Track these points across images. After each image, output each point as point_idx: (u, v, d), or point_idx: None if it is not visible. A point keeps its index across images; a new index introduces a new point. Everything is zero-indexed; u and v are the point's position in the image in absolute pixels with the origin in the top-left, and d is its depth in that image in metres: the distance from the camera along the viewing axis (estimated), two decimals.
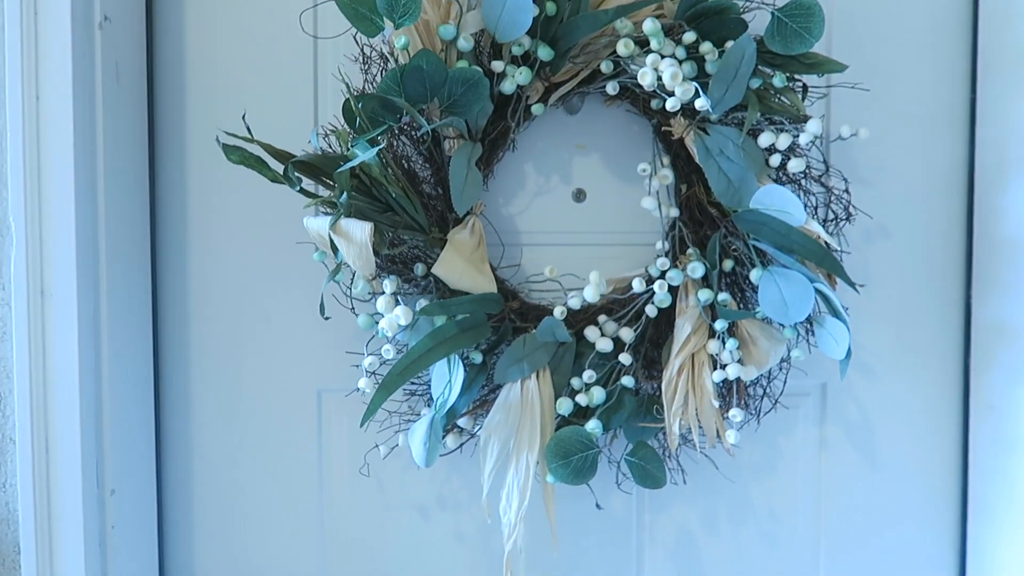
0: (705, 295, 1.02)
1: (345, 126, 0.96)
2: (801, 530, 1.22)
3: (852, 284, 0.98)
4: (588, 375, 1.01)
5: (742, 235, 1.03)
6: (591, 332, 1.04)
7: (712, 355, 1.02)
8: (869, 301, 1.18)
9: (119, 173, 1.03)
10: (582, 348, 1.05)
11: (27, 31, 0.92)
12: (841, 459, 1.21)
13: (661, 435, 1.08)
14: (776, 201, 0.96)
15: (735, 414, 1.01)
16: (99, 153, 0.99)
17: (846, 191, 1.09)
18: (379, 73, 1.04)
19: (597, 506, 1.09)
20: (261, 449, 1.16)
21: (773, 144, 1.01)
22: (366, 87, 1.05)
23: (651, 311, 1.04)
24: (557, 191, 1.15)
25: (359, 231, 0.91)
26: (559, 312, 1.03)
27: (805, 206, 1.03)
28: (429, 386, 1.05)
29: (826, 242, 0.98)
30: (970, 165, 1.20)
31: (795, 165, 1.02)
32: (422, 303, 1.00)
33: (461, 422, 1.06)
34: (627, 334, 1.04)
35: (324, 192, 1.00)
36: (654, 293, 1.03)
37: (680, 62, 0.96)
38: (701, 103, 0.94)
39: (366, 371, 1.00)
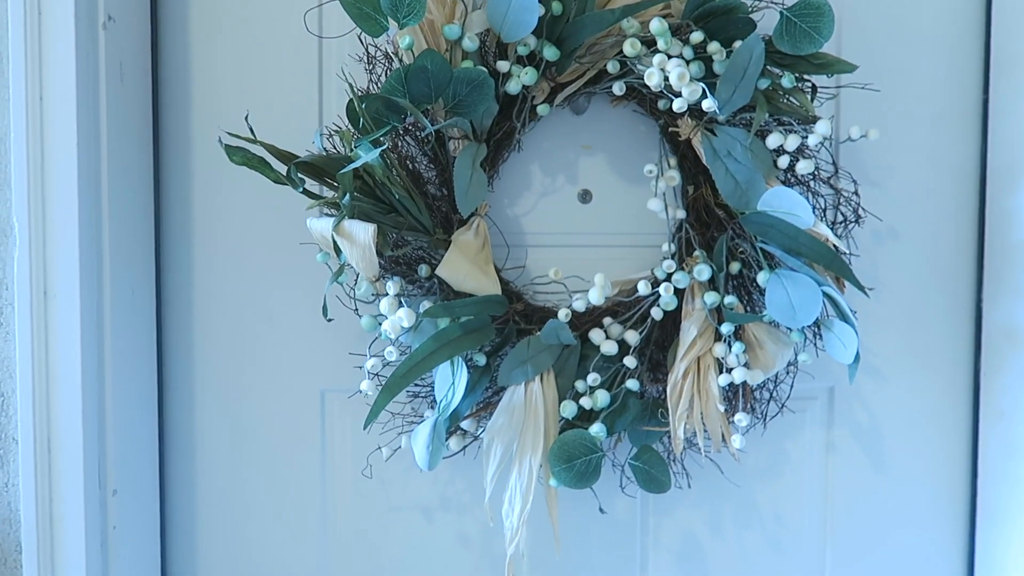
0: (711, 298, 1.01)
1: (349, 127, 0.95)
2: (807, 535, 1.21)
3: (861, 288, 0.97)
4: (592, 378, 1.00)
5: (749, 237, 1.02)
6: (596, 335, 1.03)
7: (718, 359, 1.01)
8: (878, 304, 1.17)
9: (123, 174, 1.03)
10: (587, 351, 1.04)
11: (31, 31, 0.92)
12: (848, 463, 1.20)
13: (666, 439, 1.07)
14: (784, 203, 0.95)
15: (741, 418, 1.00)
16: (103, 153, 0.98)
17: (855, 193, 1.08)
18: (384, 73, 1.03)
19: (601, 510, 1.08)
20: (264, 450, 1.15)
21: (781, 145, 1.00)
22: (371, 87, 1.04)
23: (657, 314, 1.03)
24: (563, 192, 1.14)
25: (362, 232, 0.91)
26: (564, 314, 1.02)
27: (813, 208, 1.03)
28: (432, 388, 1.05)
29: (834, 245, 0.97)
30: (982, 167, 1.18)
31: (804, 167, 1.00)
32: (426, 305, 0.99)
33: (464, 424, 1.05)
34: (632, 337, 1.03)
35: (328, 193, 1.00)
36: (660, 296, 1.02)
37: (687, 62, 0.95)
38: (708, 104, 0.92)
39: (368, 373, 0.99)
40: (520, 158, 1.12)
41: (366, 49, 1.03)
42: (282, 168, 0.91)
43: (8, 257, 0.96)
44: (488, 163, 1.06)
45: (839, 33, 1.13)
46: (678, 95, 0.95)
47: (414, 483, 1.16)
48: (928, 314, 1.19)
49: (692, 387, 1.01)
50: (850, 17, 1.14)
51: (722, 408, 1.00)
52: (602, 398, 1.00)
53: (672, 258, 1.06)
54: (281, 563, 1.17)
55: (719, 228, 1.06)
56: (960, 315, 1.20)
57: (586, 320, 1.06)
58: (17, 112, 0.93)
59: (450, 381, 0.96)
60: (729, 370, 1.00)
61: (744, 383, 1.02)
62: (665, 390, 1.03)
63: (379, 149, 0.86)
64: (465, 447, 1.07)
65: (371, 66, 1.03)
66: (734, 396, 1.06)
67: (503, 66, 0.99)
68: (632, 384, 1.01)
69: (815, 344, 1.06)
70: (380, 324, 0.97)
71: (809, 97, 1.02)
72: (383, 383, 0.93)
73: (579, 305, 1.03)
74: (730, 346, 1.00)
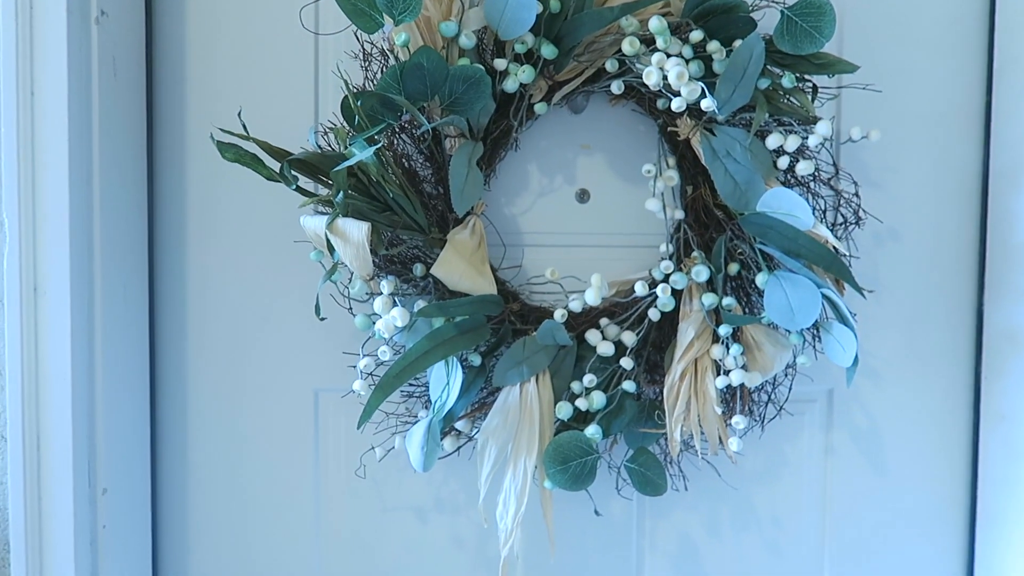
0: (709, 299, 1.00)
1: (344, 124, 0.94)
2: (805, 538, 1.19)
3: (860, 290, 0.95)
4: (589, 379, 1.00)
5: (748, 238, 1.01)
6: (592, 335, 1.02)
7: (716, 360, 1.00)
8: (878, 306, 1.16)
9: (115, 169, 1.02)
10: (583, 352, 1.03)
11: (22, 24, 0.91)
12: (847, 467, 1.19)
13: (662, 441, 1.07)
14: (784, 204, 0.94)
15: (739, 421, 0.99)
16: (95, 149, 0.97)
17: (856, 194, 1.06)
18: (379, 70, 1.02)
19: (596, 512, 1.07)
20: (257, 449, 1.14)
21: (781, 146, 0.99)
22: (366, 84, 1.03)
23: (654, 315, 1.02)
24: (560, 191, 1.13)
25: (356, 231, 0.90)
26: (560, 315, 1.01)
27: (813, 209, 1.02)
28: (427, 388, 1.04)
29: (834, 246, 0.95)
30: (984, 168, 1.17)
31: (804, 167, 0.99)
32: (420, 304, 0.98)
33: (459, 425, 1.04)
34: (629, 338, 1.02)
35: (322, 191, 0.99)
36: (657, 296, 1.01)
37: (687, 61, 0.94)
38: (707, 103, 0.91)
39: (362, 372, 0.98)
40: (517, 157, 1.11)
41: (362, 46, 1.02)
42: (275, 165, 0.90)
43: None
44: (485, 162, 1.05)
45: (840, 33, 1.12)
46: (677, 94, 0.94)
47: (408, 484, 1.15)
48: (929, 316, 1.18)
49: (689, 389, 1.00)
50: (851, 17, 1.13)
51: (719, 410, 0.99)
52: (598, 399, 0.99)
53: (670, 259, 1.05)
54: (274, 564, 1.16)
55: (718, 229, 1.05)
56: (961, 317, 1.18)
57: (583, 321, 1.05)
58: (8, 107, 0.92)
59: (445, 381, 0.95)
60: (727, 372, 0.99)
61: (742, 385, 1.01)
62: (662, 392, 1.02)
63: (374, 147, 0.85)
64: (460, 448, 1.06)
65: (367, 63, 1.02)
66: (732, 398, 1.05)
67: (500, 64, 0.98)
68: (628, 385, 1.00)
69: (814, 346, 1.05)
70: (374, 323, 0.96)
71: (810, 97, 1.01)
72: (377, 383, 0.92)
73: (575, 306, 1.02)
74: (728, 348, 0.99)
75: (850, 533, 1.19)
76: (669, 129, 1.05)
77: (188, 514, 1.15)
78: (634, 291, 1.02)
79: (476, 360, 1.02)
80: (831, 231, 0.98)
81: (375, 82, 1.02)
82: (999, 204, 1.14)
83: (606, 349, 1.01)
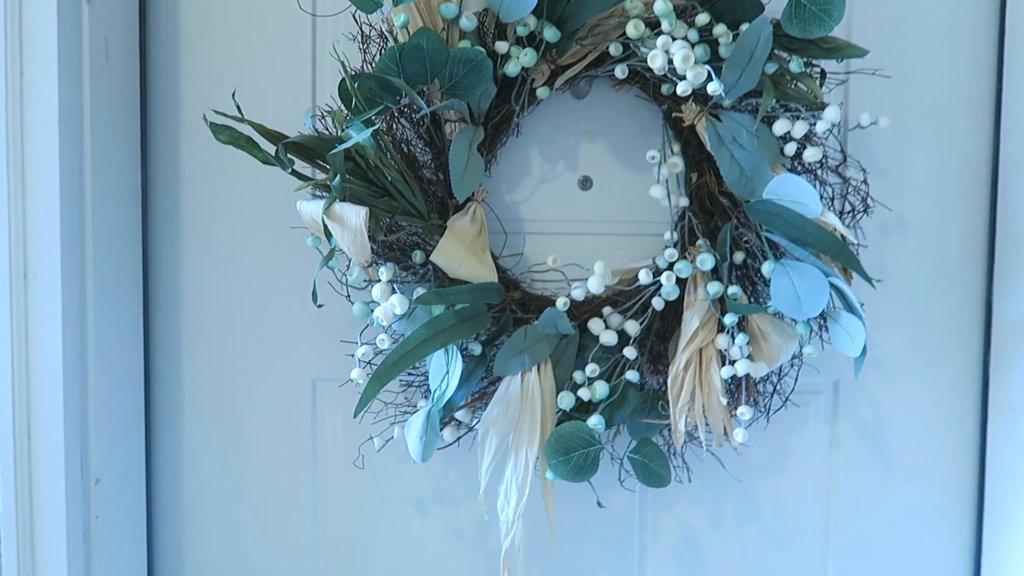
0: (715, 288, 0.98)
1: (342, 107, 0.92)
2: (810, 531, 1.18)
3: (868, 279, 0.94)
4: (591, 369, 0.98)
5: (754, 226, 0.99)
6: (595, 324, 1.00)
7: (721, 350, 0.98)
8: (885, 297, 1.14)
9: (108, 153, 1.00)
10: (585, 341, 1.01)
11: (11, 4, 0.89)
12: (853, 459, 1.17)
13: (666, 432, 1.05)
14: (791, 191, 0.92)
15: (744, 412, 0.97)
16: (86, 132, 0.95)
17: (864, 182, 1.04)
18: (378, 53, 1.00)
19: (599, 504, 1.05)
20: (254, 439, 1.13)
21: (788, 132, 0.97)
22: (364, 67, 1.01)
23: (658, 303, 1.00)
24: (562, 178, 1.11)
25: (354, 216, 0.88)
26: (562, 303, 0.99)
27: (821, 197, 0.99)
28: (426, 377, 1.02)
29: (842, 235, 0.94)
30: (994, 157, 1.15)
31: (811, 154, 0.97)
32: (419, 292, 0.96)
33: (459, 415, 1.02)
34: (632, 327, 1.00)
35: (319, 175, 0.97)
36: (661, 285, 0.99)
37: (692, 45, 0.92)
38: (714, 87, 0.89)
39: (359, 361, 0.97)
40: (519, 143, 1.09)
41: (360, 27, 1.00)
42: (271, 149, 0.88)
43: None
44: (486, 147, 1.03)
45: (849, 17, 1.10)
46: (682, 78, 0.92)
47: (407, 475, 1.13)
48: (936, 307, 1.16)
49: (694, 379, 0.98)
50: (860, 1, 1.11)
51: (724, 401, 0.97)
52: (601, 389, 0.97)
53: (674, 247, 1.03)
54: (271, 554, 1.14)
55: (723, 217, 1.03)
56: (969, 308, 1.17)
57: (585, 309, 1.03)
58: None
59: (444, 370, 0.93)
60: (732, 362, 0.97)
61: (747, 376, 0.99)
62: (665, 382, 1.00)
63: (371, 129, 0.83)
64: (459, 438, 1.04)
65: (365, 45, 1.00)
66: (736, 389, 1.03)
67: (502, 47, 0.96)
68: (632, 375, 0.98)
69: (821, 337, 1.03)
70: (372, 311, 0.95)
71: (818, 83, 0.99)
72: (374, 372, 0.90)
73: (578, 294, 1.00)
74: (733, 338, 0.97)
75: (855, 527, 1.18)
76: (674, 115, 1.03)
77: (183, 505, 1.13)
78: (638, 279, 1.00)
79: (476, 349, 1.00)
80: (839, 219, 0.96)
81: (373, 65, 1.00)
82: (1008, 193, 1.12)
83: (609, 338, 0.99)
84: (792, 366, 1.07)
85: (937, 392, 1.17)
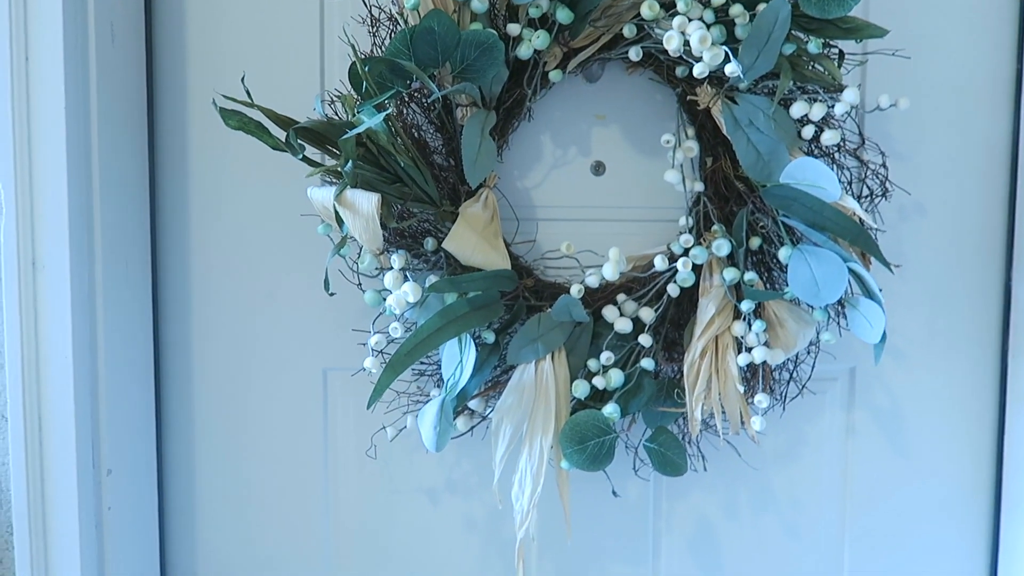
0: (731, 274, 0.96)
1: (352, 92, 0.91)
2: (825, 520, 1.17)
3: (887, 264, 0.92)
4: (606, 357, 0.96)
5: (771, 211, 0.97)
6: (609, 312, 0.99)
7: (737, 337, 0.97)
8: (902, 282, 1.12)
9: (115, 140, 0.99)
10: (600, 328, 1.00)
11: None
12: (869, 447, 1.16)
13: (680, 420, 1.04)
14: (809, 175, 0.91)
15: (761, 400, 0.96)
16: (93, 118, 0.94)
17: (883, 165, 1.02)
18: (388, 36, 0.98)
19: (614, 493, 1.04)
20: (265, 429, 1.12)
21: (806, 115, 0.95)
22: (374, 51, 0.99)
23: (673, 290, 0.99)
24: (575, 163, 1.09)
25: (366, 202, 0.87)
26: (576, 290, 0.97)
27: (839, 181, 0.98)
28: (439, 366, 1.01)
29: (861, 219, 0.92)
30: (1014, 140, 1.13)
31: (829, 137, 0.96)
32: (432, 279, 0.95)
33: (472, 404, 1.01)
34: (647, 314, 0.99)
35: (329, 161, 0.95)
36: (676, 271, 0.97)
37: (708, 26, 0.90)
38: (731, 68, 0.87)
39: (372, 350, 0.95)
40: (531, 128, 1.08)
41: (369, 10, 0.99)
42: (281, 134, 0.86)
43: None
44: (497, 132, 1.02)
45: None
46: (698, 60, 0.90)
47: (419, 465, 1.12)
48: (954, 293, 1.14)
49: (710, 367, 0.97)
50: None
51: (741, 389, 0.96)
52: (616, 378, 0.96)
53: (689, 232, 1.02)
54: (283, 546, 1.14)
55: (738, 202, 1.01)
56: (987, 294, 1.15)
57: (599, 297, 1.02)
58: (1, 73, 0.89)
59: (458, 359, 0.92)
60: (748, 349, 0.96)
61: (764, 363, 0.98)
62: (680, 370, 0.99)
63: (383, 113, 0.81)
64: (472, 428, 1.03)
65: (375, 28, 0.99)
66: (752, 377, 1.02)
67: (514, 29, 0.94)
68: (647, 363, 0.97)
69: (838, 323, 1.02)
70: (384, 299, 0.93)
71: (836, 64, 0.97)
72: (388, 361, 0.89)
73: (592, 281, 0.99)
74: (750, 324, 0.96)
75: (871, 515, 1.17)
76: (688, 98, 1.01)
77: (195, 495, 1.12)
78: (652, 266, 0.99)
79: (490, 337, 0.99)
80: (858, 203, 0.95)
81: (383, 48, 0.98)
82: None
83: (624, 326, 0.98)
84: (808, 353, 1.06)
85: (954, 379, 1.16)
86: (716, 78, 0.97)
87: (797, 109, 0.95)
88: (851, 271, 0.92)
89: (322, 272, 0.93)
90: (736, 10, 0.91)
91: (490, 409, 1.01)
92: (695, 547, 1.16)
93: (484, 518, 1.13)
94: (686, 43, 0.89)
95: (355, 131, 0.82)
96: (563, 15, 0.93)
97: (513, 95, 1.00)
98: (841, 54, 0.97)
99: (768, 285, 1.02)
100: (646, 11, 0.91)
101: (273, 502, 1.13)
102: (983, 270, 1.15)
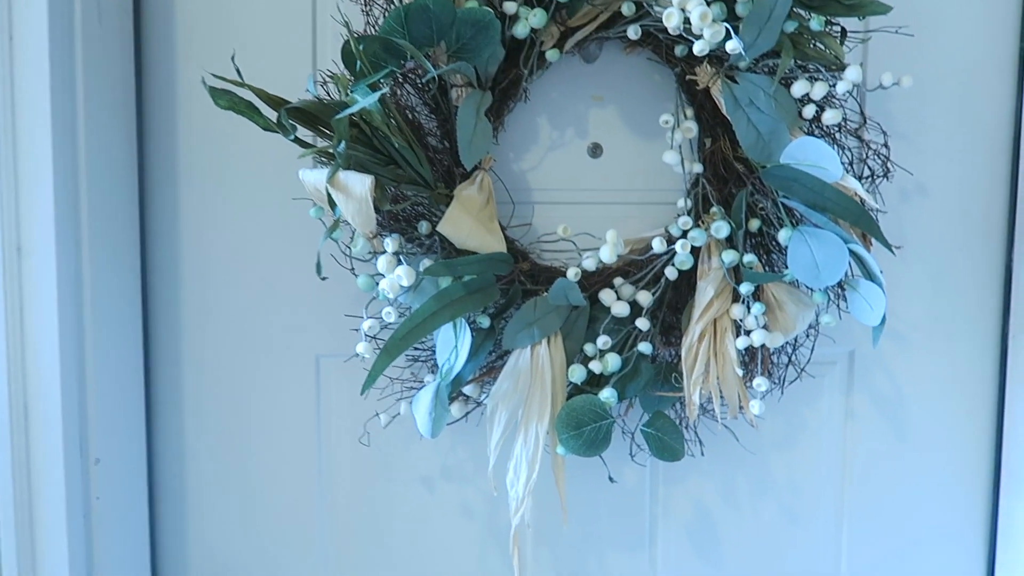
0: (730, 256, 0.95)
1: (345, 72, 0.89)
2: (824, 504, 1.16)
3: (888, 246, 0.91)
4: (603, 341, 0.95)
5: (770, 192, 0.96)
6: (606, 295, 0.98)
7: (735, 320, 0.95)
8: (903, 264, 1.11)
9: (102, 120, 0.96)
10: (596, 312, 0.99)
11: None
12: (868, 431, 1.15)
13: (678, 405, 1.02)
14: (810, 155, 0.89)
15: (760, 383, 0.94)
16: (79, 98, 0.92)
17: (885, 145, 1.01)
18: (382, 14, 0.96)
19: (610, 479, 1.03)
20: (257, 417, 1.10)
21: (807, 94, 0.93)
22: (367, 30, 0.97)
23: (671, 273, 0.97)
24: (572, 145, 1.08)
25: (359, 185, 0.84)
26: (573, 273, 0.96)
27: (840, 161, 0.96)
28: (433, 352, 1.00)
29: (862, 200, 0.90)
30: (1016, 119, 1.11)
31: (830, 116, 0.94)
32: (426, 263, 0.93)
33: (467, 390, 1.00)
34: (645, 298, 0.97)
35: (322, 143, 0.93)
36: (675, 254, 0.96)
37: (708, 2, 0.88)
38: (732, 45, 0.85)
39: (366, 335, 0.94)
40: (527, 109, 1.06)
41: None
42: (272, 115, 0.84)
43: None
44: (493, 113, 1.00)
45: None
46: (699, 37, 0.88)
47: (414, 452, 1.11)
48: (955, 275, 1.13)
49: (708, 350, 0.95)
50: None
51: (740, 372, 0.94)
52: (612, 362, 0.94)
53: (688, 215, 1.00)
54: (276, 535, 1.12)
55: (738, 183, 1.00)
56: (989, 276, 1.14)
57: (596, 280, 1.00)
58: None
59: (452, 344, 0.90)
60: (747, 332, 0.94)
61: (763, 346, 0.96)
62: (678, 354, 0.97)
63: (378, 93, 0.79)
64: (467, 414, 1.02)
65: (368, 7, 0.96)
66: (751, 360, 1.00)
67: (510, 7, 0.92)
68: (644, 347, 0.96)
69: (838, 305, 1.00)
70: (378, 284, 0.91)
71: (838, 42, 0.95)
72: (382, 346, 0.87)
73: (589, 264, 0.97)
74: (749, 307, 0.94)
75: (870, 499, 1.16)
76: (688, 78, 0.99)
77: (186, 485, 1.11)
78: (650, 249, 0.97)
79: (485, 322, 0.98)
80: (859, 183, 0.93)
81: (376, 28, 0.96)
82: None
83: (621, 309, 0.96)
84: (808, 336, 1.05)
85: (954, 362, 1.15)
86: (716, 57, 0.96)
87: (798, 88, 0.93)
88: (852, 252, 0.90)
89: (314, 256, 0.91)
90: None
91: (485, 395, 1.00)
92: (693, 533, 1.15)
93: (480, 505, 1.12)
94: (686, 20, 0.87)
95: (349, 111, 0.80)
96: None
97: (509, 75, 0.99)
98: (843, 32, 0.95)
99: (768, 268, 1.00)
100: None
101: (266, 491, 1.11)
102: (984, 252, 1.14)
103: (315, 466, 1.11)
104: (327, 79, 0.96)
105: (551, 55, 0.97)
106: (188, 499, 1.11)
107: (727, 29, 0.86)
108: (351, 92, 0.83)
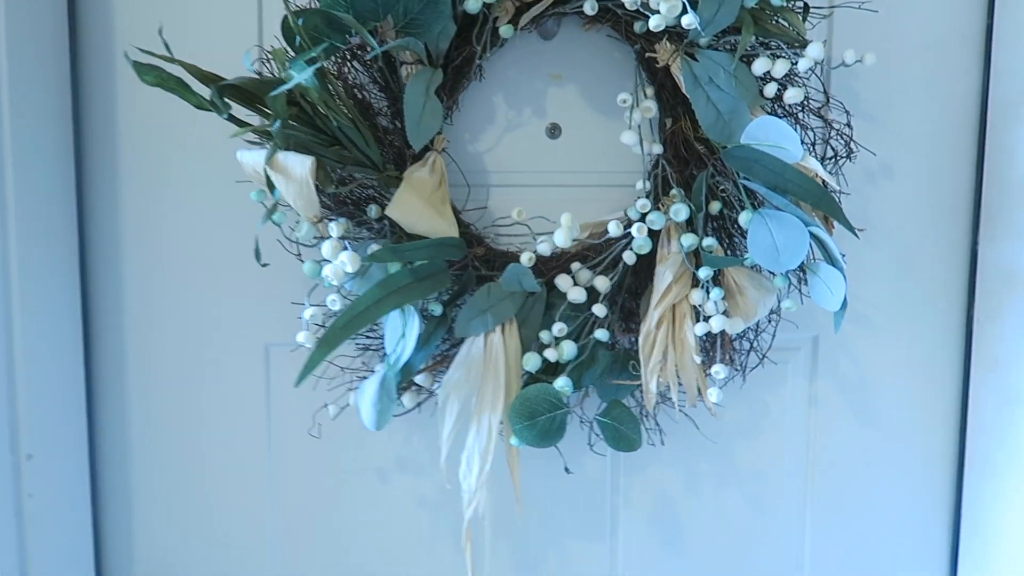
0: (689, 240, 0.92)
1: (287, 47, 0.84)
2: (788, 491, 1.14)
3: (851, 228, 0.88)
4: (558, 328, 0.92)
5: (731, 174, 0.93)
6: (563, 281, 0.95)
7: (695, 306, 0.93)
8: (868, 246, 1.09)
9: (31, 97, 0.91)
10: (554, 299, 0.96)
11: None
12: (832, 417, 1.13)
13: (638, 393, 1.00)
14: (771, 135, 0.86)
15: (718, 371, 0.92)
16: (2, 73, 0.86)
17: (847, 125, 0.98)
18: None
19: (566, 470, 1.01)
20: (205, 409, 1.06)
21: (768, 72, 0.90)
22: (313, 2, 0.93)
23: (629, 258, 0.94)
24: (530, 125, 1.04)
25: (299, 166, 0.81)
26: (527, 258, 0.93)
27: (801, 141, 0.94)
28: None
29: (824, 181, 0.88)
30: (983, 98, 1.09)
31: (792, 95, 0.91)
32: (375, 248, 0.90)
33: (419, 379, 0.97)
34: (602, 283, 0.94)
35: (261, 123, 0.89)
36: (633, 238, 0.93)
37: None
38: (689, 20, 0.82)
39: (307, 323, 0.90)
40: (482, 88, 1.02)
41: None
42: (209, 93, 0.80)
43: None
44: (446, 92, 0.96)
45: None
46: (655, 12, 0.84)
47: (368, 443, 1.08)
48: (921, 257, 1.11)
49: (666, 337, 0.93)
50: None
51: (698, 360, 0.92)
52: (568, 350, 0.91)
53: (647, 197, 0.97)
54: (226, 530, 1.09)
55: (699, 164, 0.97)
56: (955, 257, 1.12)
57: (553, 265, 0.97)
58: None
59: (400, 332, 0.87)
60: (706, 318, 0.92)
61: (723, 332, 0.94)
62: (638, 341, 0.95)
63: (311, 68, 0.75)
64: (420, 404, 0.99)
65: None
66: (712, 347, 0.98)
67: None
68: (601, 334, 0.93)
69: (800, 290, 0.98)
70: (323, 270, 0.88)
71: (801, 17, 0.92)
72: (321, 335, 0.83)
73: (544, 248, 0.94)
74: (708, 292, 0.92)
75: (835, 485, 1.14)
76: (647, 55, 0.96)
77: (131, 481, 1.07)
78: (607, 232, 0.94)
79: (437, 309, 0.94)
80: (821, 165, 0.91)
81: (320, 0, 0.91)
82: (997, 136, 1.07)
83: (577, 295, 0.93)
84: (769, 322, 1.02)
85: (920, 345, 1.13)
86: (676, 34, 0.92)
87: (759, 66, 0.90)
88: (813, 235, 0.88)
89: (264, 243, 0.87)
90: None
91: (438, 384, 0.96)
92: (655, 522, 1.13)
93: (436, 497, 1.09)
94: None
95: (285, 87, 0.76)
96: None
97: (463, 53, 0.95)
98: (805, 7, 0.92)
99: (730, 252, 0.97)
100: None
101: (215, 485, 1.08)
102: (950, 233, 1.11)
103: (265, 459, 1.08)
104: (271, 56, 0.91)
105: (505, 31, 0.93)
106: (134, 495, 1.07)
107: (683, 3, 0.83)
108: (289, 68, 0.79)
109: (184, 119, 0.99)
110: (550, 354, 0.92)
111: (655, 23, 0.84)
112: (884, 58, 1.04)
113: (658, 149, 0.99)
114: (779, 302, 0.96)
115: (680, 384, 0.93)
